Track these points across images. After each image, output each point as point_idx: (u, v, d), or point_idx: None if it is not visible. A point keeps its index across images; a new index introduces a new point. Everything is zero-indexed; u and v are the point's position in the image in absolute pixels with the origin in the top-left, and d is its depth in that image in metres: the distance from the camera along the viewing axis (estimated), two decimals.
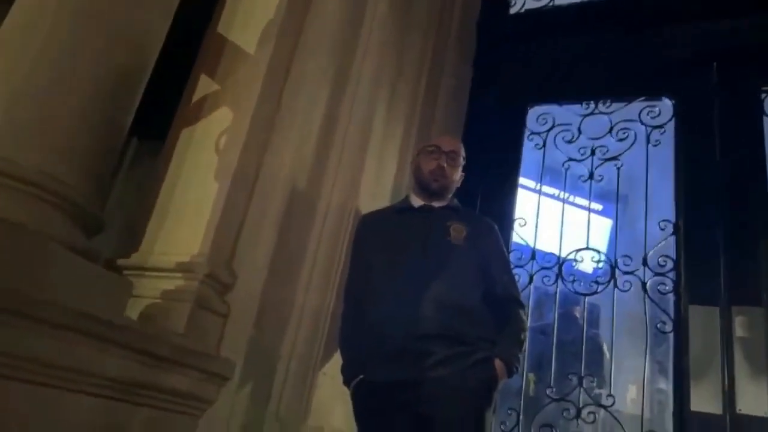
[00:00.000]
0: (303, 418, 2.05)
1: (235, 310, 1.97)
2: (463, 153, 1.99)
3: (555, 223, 3.05)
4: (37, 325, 1.31)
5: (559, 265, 2.87)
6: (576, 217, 3.32)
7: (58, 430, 1.42)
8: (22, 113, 1.46)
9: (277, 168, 2.14)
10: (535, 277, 2.89)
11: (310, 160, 2.21)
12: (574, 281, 2.83)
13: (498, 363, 1.69)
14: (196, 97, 2.24)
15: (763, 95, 2.77)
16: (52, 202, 1.46)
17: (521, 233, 3.01)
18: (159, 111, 2.38)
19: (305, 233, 2.16)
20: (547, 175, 3.20)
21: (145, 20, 1.71)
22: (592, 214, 3.09)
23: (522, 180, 3.21)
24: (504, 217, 2.95)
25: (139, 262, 1.98)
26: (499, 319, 1.78)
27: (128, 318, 1.68)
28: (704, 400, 2.39)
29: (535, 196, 3.14)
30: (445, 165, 1.90)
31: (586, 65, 3.14)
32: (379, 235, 1.94)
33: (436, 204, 1.91)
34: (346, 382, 1.77)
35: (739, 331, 2.45)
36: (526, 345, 2.81)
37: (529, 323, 2.80)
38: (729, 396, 2.35)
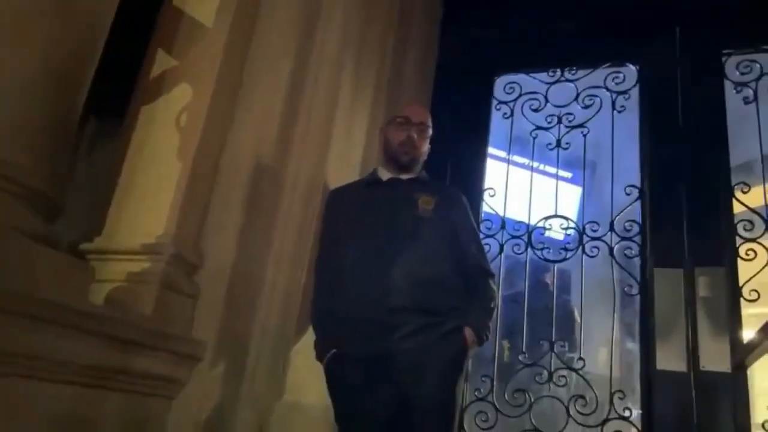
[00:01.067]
0: (278, 396, 2.06)
1: (204, 290, 1.95)
2: (430, 124, 1.97)
3: (524, 192, 3.08)
4: (3, 316, 1.27)
5: (529, 234, 2.90)
6: (545, 185, 3.35)
7: (29, 421, 1.39)
8: None
9: (241, 144, 2.10)
10: (505, 246, 2.92)
11: (275, 135, 2.16)
12: (543, 249, 2.88)
13: (468, 331, 1.71)
14: (154, 73, 2.17)
15: (724, 58, 2.81)
16: (5, 188, 1.41)
17: (491, 203, 3.03)
18: (117, 88, 2.30)
19: (273, 210, 2.14)
20: (515, 144, 3.21)
21: None
22: (560, 182, 3.12)
23: (491, 150, 3.22)
24: (473, 188, 2.97)
25: (103, 246, 1.93)
26: (469, 289, 1.80)
27: (93, 303, 1.65)
28: (669, 359, 2.47)
29: (504, 165, 3.16)
30: (415, 136, 1.88)
31: (551, 33, 3.14)
32: (348, 210, 1.92)
33: (404, 176, 1.90)
34: (320, 356, 1.77)
35: (702, 291, 2.53)
36: (498, 313, 2.87)
37: (500, 292, 2.84)
38: (693, 354, 2.43)
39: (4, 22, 1.43)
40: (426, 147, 1.96)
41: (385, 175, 1.94)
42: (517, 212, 3.08)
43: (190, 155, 1.98)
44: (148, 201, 1.98)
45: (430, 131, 1.97)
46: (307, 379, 2.02)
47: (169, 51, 2.16)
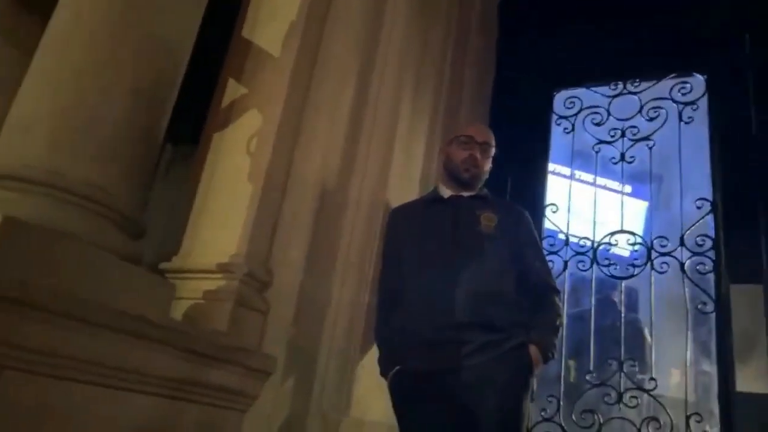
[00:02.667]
0: (344, 411, 2.10)
1: (274, 306, 2.02)
2: (494, 143, 1.98)
3: (588, 208, 3.02)
4: (90, 328, 1.37)
5: (594, 250, 2.84)
6: (609, 200, 3.28)
7: (114, 428, 1.49)
8: (68, 125, 1.52)
9: (307, 166, 2.18)
10: (569, 263, 2.87)
11: (338, 157, 2.24)
12: (609, 265, 2.81)
13: (533, 349, 1.68)
14: (225, 101, 2.29)
15: None
16: (98, 212, 1.52)
17: (553, 219, 2.99)
18: (190, 116, 2.45)
19: (337, 229, 2.20)
20: (577, 158, 3.17)
21: (176, 25, 1.76)
22: (625, 197, 3.05)
23: (552, 165, 3.19)
24: (535, 204, 2.94)
25: (179, 265, 2.04)
26: (534, 306, 1.78)
27: (173, 319, 1.75)
28: (750, 380, 2.34)
29: (567, 181, 3.12)
30: (479, 155, 1.89)
31: (611, 46, 3.09)
32: (409, 228, 1.94)
33: (465, 194, 1.91)
34: (384, 373, 1.79)
35: None
36: (563, 332, 2.81)
37: (565, 310, 2.80)
38: None
39: (97, 49, 1.56)
40: (488, 166, 1.96)
41: (446, 192, 1.96)
42: (581, 228, 3.02)
43: (260, 178, 2.08)
44: (221, 222, 2.08)
45: (493, 151, 1.97)
46: (372, 396, 2.05)
47: (238, 79, 2.28)
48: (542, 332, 1.73)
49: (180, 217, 2.19)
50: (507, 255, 1.79)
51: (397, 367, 1.75)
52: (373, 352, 1.88)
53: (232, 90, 2.30)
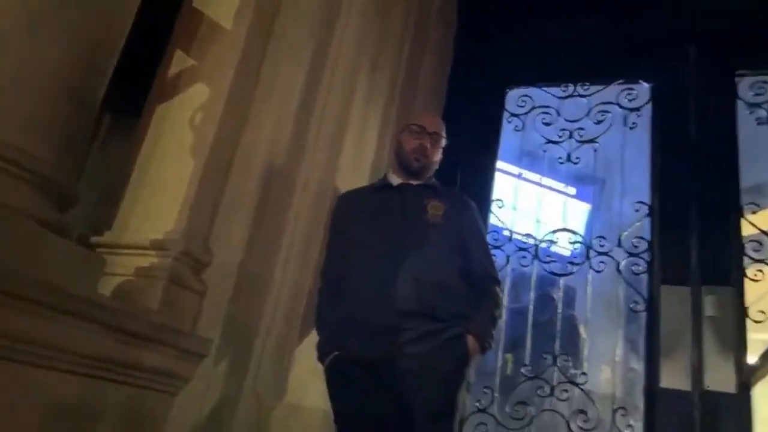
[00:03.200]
0: (280, 395, 2.06)
1: (211, 287, 1.96)
2: (444, 134, 1.98)
3: (532, 206, 3.09)
4: (10, 300, 1.28)
5: (536, 247, 2.90)
6: (553, 200, 3.36)
7: (30, 407, 1.41)
8: None
9: (254, 144, 2.12)
10: (511, 258, 2.92)
11: (288, 137, 2.19)
12: (550, 262, 2.87)
13: (470, 339, 1.70)
14: (171, 73, 2.20)
15: (738, 79, 2.82)
16: (22, 177, 1.43)
17: (499, 214, 3.04)
18: (133, 87, 2.33)
19: (283, 211, 2.15)
20: (525, 157, 3.23)
21: None
22: (569, 198, 3.13)
23: (501, 164, 3.23)
24: (482, 198, 2.97)
25: (112, 240, 1.95)
26: (475, 296, 1.79)
27: (101, 294, 1.66)
28: (674, 378, 2.45)
29: (513, 179, 3.17)
30: (428, 145, 1.89)
31: (565, 48, 3.15)
32: (357, 213, 1.93)
33: (414, 182, 1.91)
34: (321, 358, 1.77)
35: (708, 310, 2.52)
36: (503, 324, 2.87)
37: (505, 303, 2.85)
38: (697, 373, 2.41)
39: (32, 11, 1.46)
40: (438, 156, 1.96)
41: (395, 180, 1.95)
42: (525, 226, 3.08)
43: (204, 154, 2.00)
44: (160, 197, 2.00)
45: (444, 141, 1.98)
46: (309, 381, 2.02)
47: (186, 51, 2.19)
48: (480, 323, 1.75)
49: (116, 190, 2.09)
50: (452, 244, 1.80)
51: (335, 353, 1.73)
52: (313, 337, 1.85)
53: (180, 61, 2.20)
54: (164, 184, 2.01)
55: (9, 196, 1.37)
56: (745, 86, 2.80)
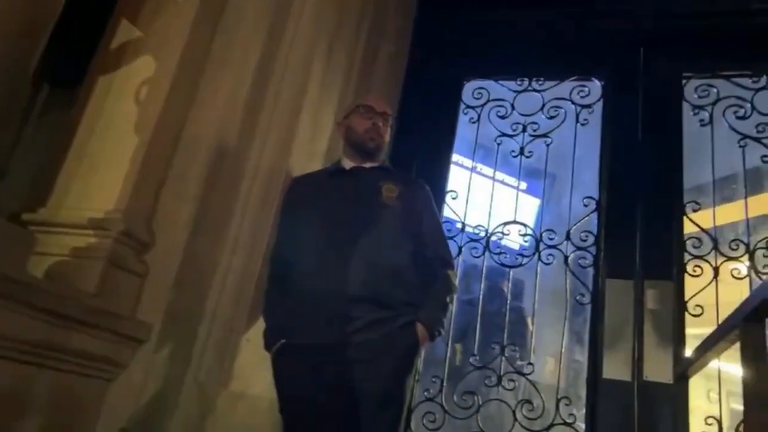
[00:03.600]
0: (224, 384, 1.99)
1: (153, 269, 1.87)
2: (391, 113, 1.96)
3: (485, 199, 3.10)
4: None
5: (487, 239, 2.92)
6: (505, 194, 3.39)
7: None
8: None
9: (203, 123, 2.03)
10: (463, 249, 2.94)
11: (239, 117, 2.11)
12: (500, 254, 2.90)
13: (420, 327, 1.69)
14: (115, 43, 2.08)
15: (684, 81, 2.91)
16: None
17: (452, 206, 3.04)
18: (73, 57, 2.20)
19: (232, 193, 2.08)
20: (479, 150, 3.24)
21: None
22: (520, 193, 3.17)
23: (455, 157, 3.23)
24: (437, 189, 2.95)
25: (47, 217, 1.83)
26: (427, 280, 1.78)
27: (31, 275, 1.55)
28: (616, 368, 2.52)
29: (467, 172, 3.18)
30: (381, 124, 1.87)
31: (522, 42, 3.18)
32: (309, 198, 1.88)
33: (367, 165, 1.88)
34: (268, 345, 1.72)
35: (650, 303, 2.59)
36: (452, 316, 2.88)
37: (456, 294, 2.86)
38: (638, 364, 2.49)
39: None
40: (388, 136, 1.95)
41: (348, 164, 1.91)
42: (477, 218, 3.10)
43: (148, 130, 1.91)
44: (100, 174, 1.89)
45: (391, 121, 1.96)
46: (255, 369, 1.97)
47: (133, 21, 2.08)
48: (430, 310, 1.74)
49: (53, 165, 1.97)
50: (405, 227, 1.78)
51: (282, 341, 1.69)
52: (260, 325, 1.80)
53: (125, 32, 2.09)
54: (105, 161, 1.90)
55: None
56: (691, 89, 2.90)
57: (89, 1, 2.15)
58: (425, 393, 2.69)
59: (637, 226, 2.72)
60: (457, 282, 1.95)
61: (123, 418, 1.71)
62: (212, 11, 2.12)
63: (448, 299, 1.78)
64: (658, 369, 2.47)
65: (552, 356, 3.22)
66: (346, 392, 1.62)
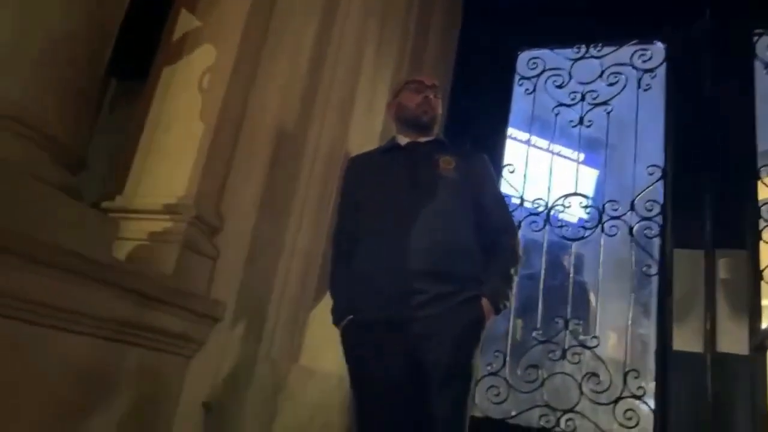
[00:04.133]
0: (294, 359, 2.07)
1: (224, 252, 1.95)
2: (440, 86, 1.96)
3: (544, 171, 3.04)
4: (26, 264, 1.27)
5: (547, 212, 2.87)
6: (564, 165, 3.32)
7: (48, 368, 1.41)
8: None
9: (263, 107, 2.08)
10: (523, 224, 2.90)
11: (297, 99, 2.14)
12: (561, 227, 2.85)
13: (485, 302, 1.68)
14: (177, 35, 2.15)
15: (755, 38, 2.74)
16: (30, 137, 1.40)
17: (510, 180, 3.00)
18: (137, 50, 2.29)
19: (295, 174, 2.13)
20: (536, 121, 3.17)
21: None
22: (579, 165, 3.09)
23: (511, 131, 3.18)
24: (493, 163, 2.90)
25: (124, 205, 1.93)
26: (490, 250, 1.77)
27: (116, 258, 1.65)
28: (686, 340, 2.45)
29: (524, 147, 3.12)
30: (432, 97, 1.87)
31: (578, 7, 3.07)
32: (367, 175, 1.90)
33: (423, 139, 1.88)
34: (336, 322, 1.76)
35: (722, 273, 2.49)
36: (515, 288, 2.86)
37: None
38: (710, 336, 2.41)
39: None
40: (440, 109, 1.95)
41: (403, 140, 1.92)
42: (535, 191, 3.05)
43: (213, 117, 1.97)
44: (170, 162, 1.97)
45: (441, 94, 1.96)
46: (324, 345, 2.02)
47: (192, 11, 2.14)
48: (494, 284, 1.73)
49: (126, 155, 2.07)
50: (465, 198, 1.77)
51: (350, 317, 1.73)
52: (327, 301, 1.85)
53: (186, 22, 2.16)
54: (174, 149, 1.98)
55: (18, 156, 1.35)
56: (763, 45, 2.73)
57: None
58: (488, 367, 2.70)
59: (706, 193, 2.61)
60: (521, 252, 1.92)
61: (203, 393, 1.81)
62: None
63: (512, 271, 1.76)
64: (732, 340, 2.38)
65: (617, 330, 3.14)
66: (413, 367, 1.64)
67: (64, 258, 1.36)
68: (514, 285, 1.80)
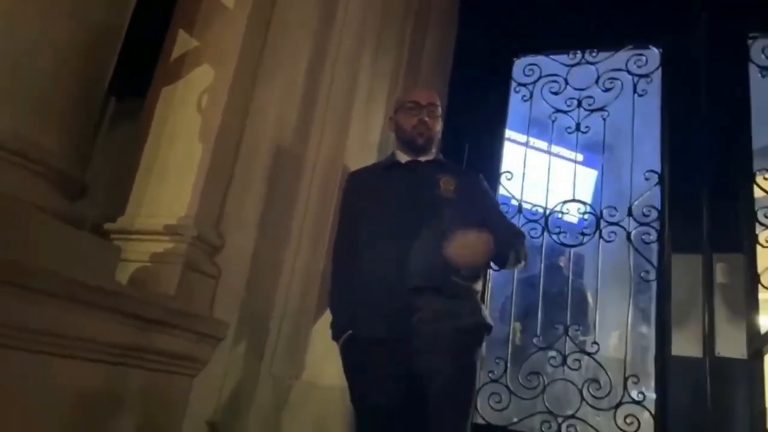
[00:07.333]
0: (296, 375, 2.09)
1: (225, 271, 1.97)
2: (439, 103, 1.97)
3: (541, 176, 3.06)
4: (28, 294, 1.30)
5: (546, 218, 2.89)
6: (562, 168, 3.33)
7: (54, 397, 1.43)
8: None
9: (261, 125, 2.10)
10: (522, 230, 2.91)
11: (295, 116, 2.16)
12: (560, 233, 2.87)
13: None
14: (175, 55, 2.17)
15: (750, 41, 2.75)
16: (31, 168, 1.42)
17: (508, 186, 3.02)
18: (136, 69, 2.30)
19: (293, 191, 2.15)
20: (533, 127, 3.18)
21: None
22: (578, 166, 3.10)
23: (508, 133, 3.19)
24: (491, 170, 2.94)
25: (125, 226, 1.96)
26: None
27: (119, 283, 1.67)
28: (685, 344, 2.46)
29: (522, 148, 3.13)
30: (427, 118, 1.88)
31: (573, 13, 3.08)
32: (368, 192, 1.92)
33: (422, 158, 1.90)
34: (335, 337, 1.79)
35: (720, 277, 2.51)
36: (512, 296, 2.89)
37: (515, 274, 2.86)
38: (708, 340, 2.43)
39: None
40: (439, 126, 1.96)
41: (403, 158, 1.94)
42: (533, 196, 3.06)
43: (212, 137, 1.99)
44: (170, 182, 2.00)
45: (440, 110, 1.97)
46: (325, 360, 2.05)
47: (189, 32, 2.15)
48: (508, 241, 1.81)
49: (125, 175, 2.09)
50: (467, 219, 1.79)
51: (349, 332, 1.75)
52: (327, 317, 1.87)
53: (183, 42, 2.17)
54: (174, 169, 2.00)
55: (18, 188, 1.36)
56: (757, 49, 2.74)
57: (146, 15, 2.24)
58: (489, 374, 2.72)
59: (703, 198, 2.62)
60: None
61: (208, 411, 1.83)
62: (262, 16, 2.17)
63: (522, 256, 1.85)
64: (730, 345, 2.40)
65: (617, 335, 3.17)
66: (414, 382, 1.67)
67: (66, 287, 1.39)
68: (520, 267, 1.94)
